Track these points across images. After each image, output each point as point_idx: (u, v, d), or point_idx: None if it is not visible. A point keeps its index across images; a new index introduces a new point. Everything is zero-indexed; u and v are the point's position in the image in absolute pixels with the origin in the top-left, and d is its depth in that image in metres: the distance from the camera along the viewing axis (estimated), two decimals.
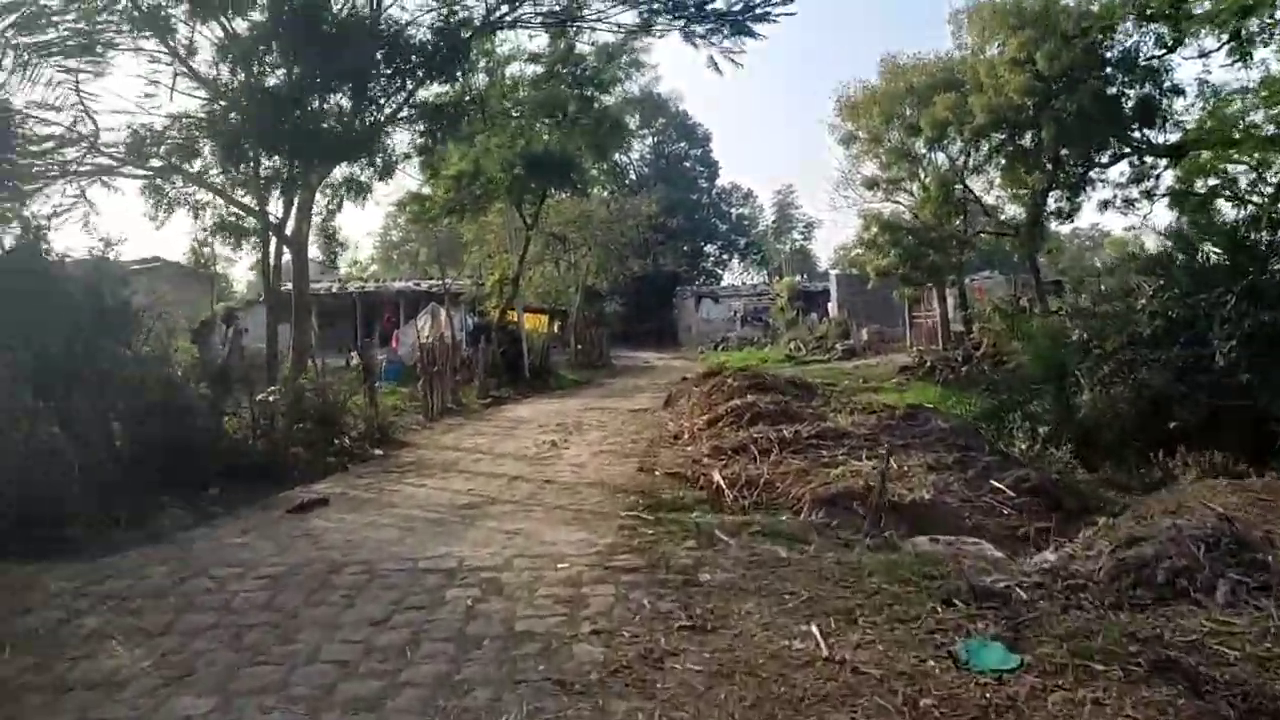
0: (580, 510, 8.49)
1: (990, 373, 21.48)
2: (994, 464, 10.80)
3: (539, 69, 22.16)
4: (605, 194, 38.75)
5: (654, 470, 11.01)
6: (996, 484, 9.71)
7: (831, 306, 49.11)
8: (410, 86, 14.10)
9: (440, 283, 27.84)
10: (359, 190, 15.02)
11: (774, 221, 77.23)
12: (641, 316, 53.76)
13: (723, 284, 71.39)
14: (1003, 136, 22.99)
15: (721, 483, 10.22)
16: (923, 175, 25.70)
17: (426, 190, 26.65)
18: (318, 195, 15.18)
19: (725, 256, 78.92)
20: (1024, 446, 13.27)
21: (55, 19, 11.78)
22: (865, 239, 25.13)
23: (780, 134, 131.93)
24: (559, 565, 6.34)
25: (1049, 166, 22.10)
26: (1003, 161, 23.23)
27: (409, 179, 21.68)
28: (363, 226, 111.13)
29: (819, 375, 28.01)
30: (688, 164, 75.23)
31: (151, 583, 6.28)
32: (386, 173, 14.56)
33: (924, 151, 25.52)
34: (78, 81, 12.45)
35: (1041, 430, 13.50)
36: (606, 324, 41.87)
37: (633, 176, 62.26)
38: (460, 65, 14.40)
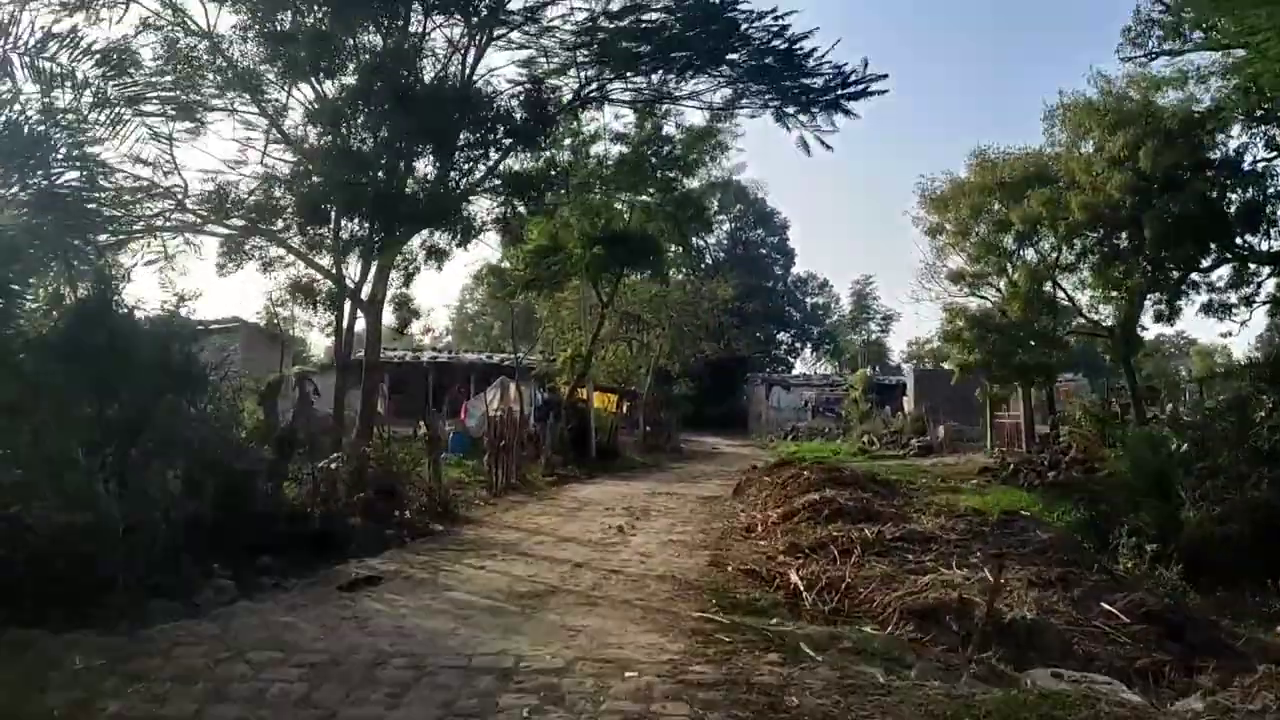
0: (648, 607, 7.82)
1: (1082, 480, 20.28)
2: (1101, 583, 9.83)
3: (624, 149, 22.16)
4: (681, 276, 38.65)
5: (726, 565, 10.30)
6: (1109, 607, 8.76)
7: (906, 401, 47.89)
8: (495, 156, 13.97)
9: (511, 357, 27.62)
10: (438, 257, 14.88)
11: (850, 312, 76.32)
12: (710, 400, 53.10)
13: (794, 373, 70.58)
14: (1099, 235, 22.16)
15: (799, 584, 9.47)
16: (1011, 271, 24.86)
17: (505, 264, 26.72)
18: (395, 261, 15.07)
19: (797, 345, 78.27)
20: (1129, 564, 12.20)
21: (153, 80, 11.96)
22: (950, 332, 24.26)
23: (859, 226, 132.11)
24: (626, 674, 5.67)
25: (1148, 268, 21.15)
26: (1097, 260, 22.33)
27: (487, 249, 21.54)
28: (438, 298, 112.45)
29: (895, 471, 26.96)
30: (764, 250, 75.24)
31: (184, 663, 5.77)
32: (465, 239, 14.38)
33: (1013, 247, 24.76)
34: (171, 138, 12.61)
35: (1149, 548, 12.40)
36: (675, 406, 41.33)
37: (709, 260, 62.40)
38: (546, 137, 14.26)
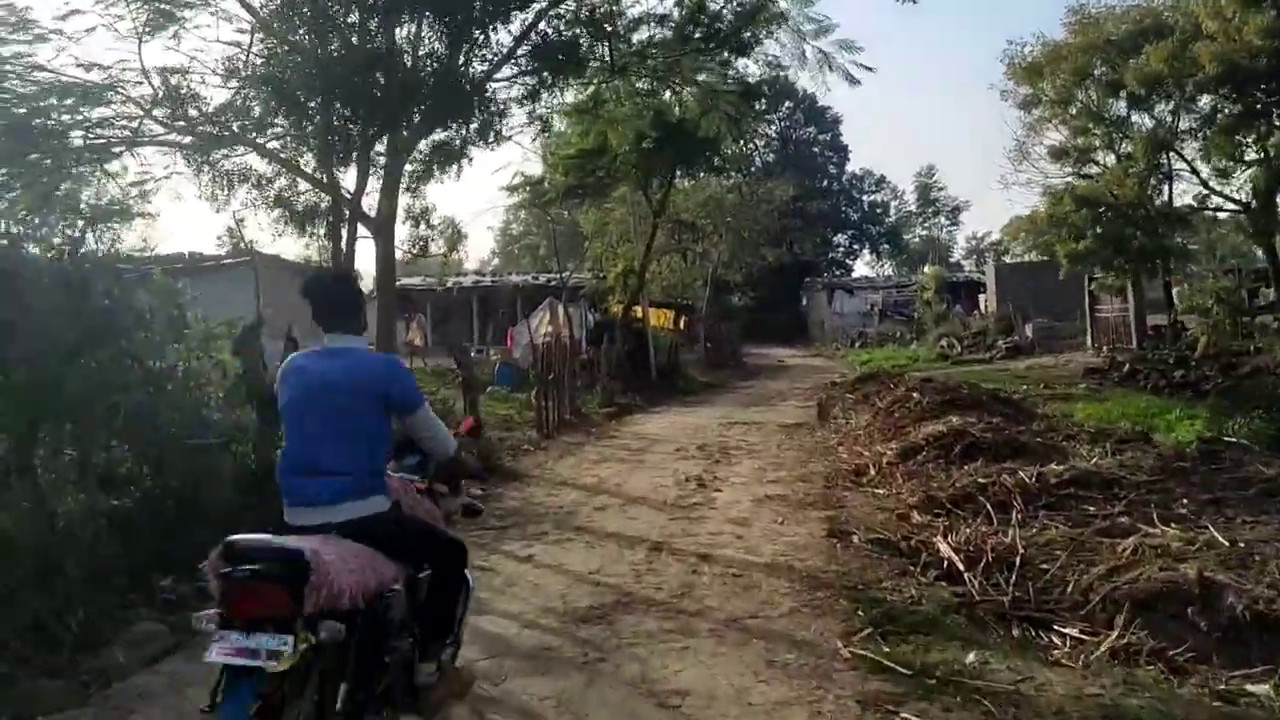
0: (769, 632, 5.35)
1: (1227, 380, 17.35)
2: None
3: (668, 33, 19.01)
4: (732, 179, 35.53)
5: (849, 534, 7.80)
6: None
7: (983, 300, 44.61)
8: (520, 20, 11.13)
9: (558, 276, 25.11)
10: (449, 158, 12.19)
11: (916, 206, 72.21)
12: (768, 310, 50.15)
13: (854, 276, 67.18)
14: (1229, 91, 18.73)
15: (955, 559, 6.96)
16: (1119, 143, 21.47)
17: (544, 173, 24.05)
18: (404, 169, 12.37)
19: (856, 247, 74.63)
20: None
21: None
22: (1056, 216, 21.06)
23: (916, 116, 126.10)
24: None
25: None
26: (1231, 121, 18.89)
27: (521, 155, 18.32)
28: (478, 221, 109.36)
29: (987, 378, 24.14)
30: (816, 149, 71.21)
31: None
32: (484, 134, 11.71)
33: (1125, 113, 21.34)
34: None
35: None
36: (734, 319, 38.63)
37: (758, 163, 58.76)
38: None
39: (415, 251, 13.38)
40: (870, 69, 15.06)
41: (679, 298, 35.22)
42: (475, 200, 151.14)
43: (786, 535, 7.83)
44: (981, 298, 44.46)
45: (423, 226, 13.23)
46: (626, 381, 22.64)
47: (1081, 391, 20.81)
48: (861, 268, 73.17)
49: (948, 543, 7.38)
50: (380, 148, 11.06)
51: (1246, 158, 20.07)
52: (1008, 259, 75.79)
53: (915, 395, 12.82)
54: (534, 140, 15.54)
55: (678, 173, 25.71)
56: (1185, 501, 7.97)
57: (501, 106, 11.93)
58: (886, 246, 74.72)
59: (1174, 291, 22.82)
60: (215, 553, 2.88)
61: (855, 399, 20.19)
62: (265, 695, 2.70)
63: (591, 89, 15.44)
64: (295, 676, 2.78)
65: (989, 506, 8.16)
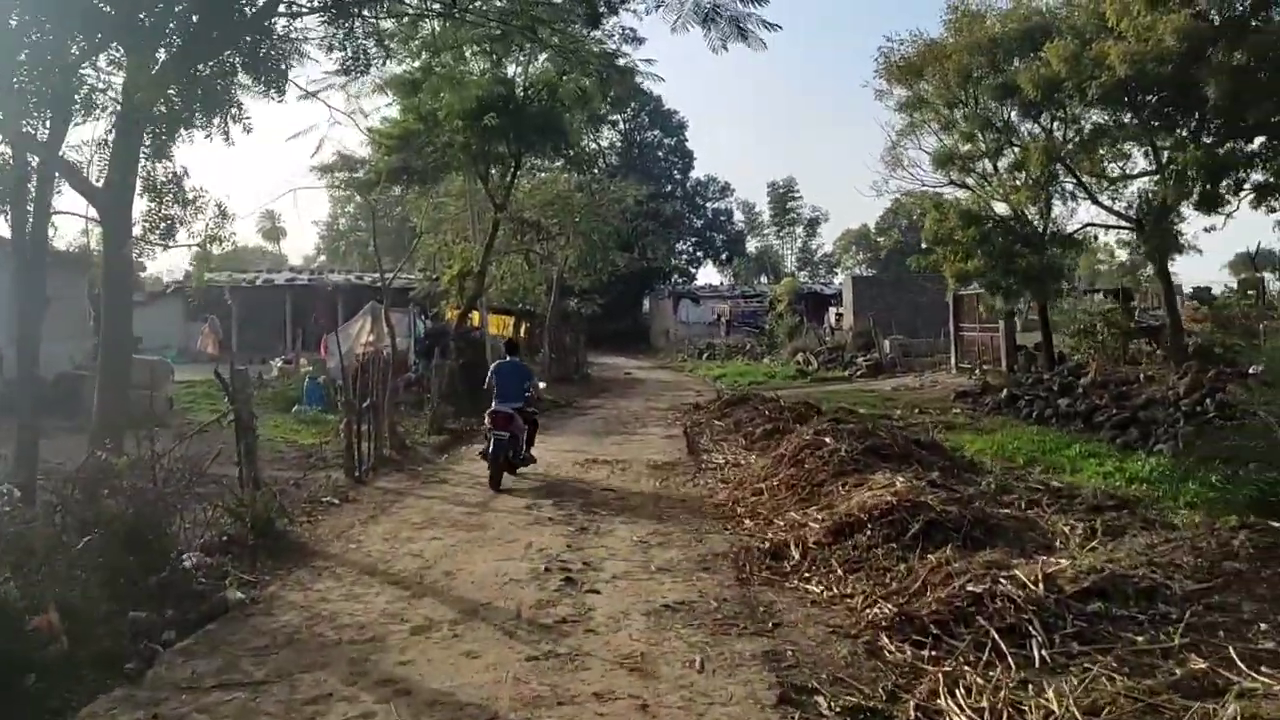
0: None
1: (1115, 410, 15.80)
2: None
3: None
4: (579, 178, 32.71)
5: (809, 695, 5.05)
6: None
7: (833, 312, 43.52)
8: None
9: (384, 276, 21.51)
10: (212, 105, 8.63)
11: (773, 217, 71.30)
12: (611, 318, 47.48)
13: (697, 284, 65.50)
14: (1129, 98, 17.29)
15: None
16: (1010, 152, 19.88)
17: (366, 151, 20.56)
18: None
19: (699, 254, 73.04)
20: None
21: None
22: (940, 233, 19.21)
23: (764, 126, 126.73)
24: None
25: (1206, 137, 16.41)
26: (1135, 130, 17.46)
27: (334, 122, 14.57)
28: (298, 209, 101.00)
29: (854, 399, 22.28)
30: (661, 153, 69.23)
31: None
32: (261, 72, 8.29)
33: (1014, 120, 19.72)
34: None
35: None
36: (577, 327, 35.67)
37: (602, 164, 56.10)
38: None
39: (154, 239, 9.71)
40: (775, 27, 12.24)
41: (520, 303, 32.05)
42: (276, 183, 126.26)
43: (716, 700, 4.98)
44: (832, 310, 43.32)
45: (168, 202, 9.54)
46: (461, 402, 19.44)
47: (960, 419, 19.10)
48: (704, 276, 71.82)
49: (964, 713, 4.77)
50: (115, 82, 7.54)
51: (1137, 170, 18.82)
52: (839, 271, 76.71)
53: (829, 441, 10.24)
54: (351, 101, 12.05)
55: (522, 162, 22.68)
56: (1263, 627, 5.68)
57: (293, 42, 8.63)
58: (726, 256, 73.65)
59: (1048, 312, 21.45)
60: (488, 411, 11.91)
61: (726, 427, 17.75)
62: (502, 446, 11.47)
63: (422, 57, 12.22)
64: (507, 443, 11.56)
65: (994, 633, 5.63)
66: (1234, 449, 10.17)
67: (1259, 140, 16.60)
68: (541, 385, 14.98)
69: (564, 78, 16.69)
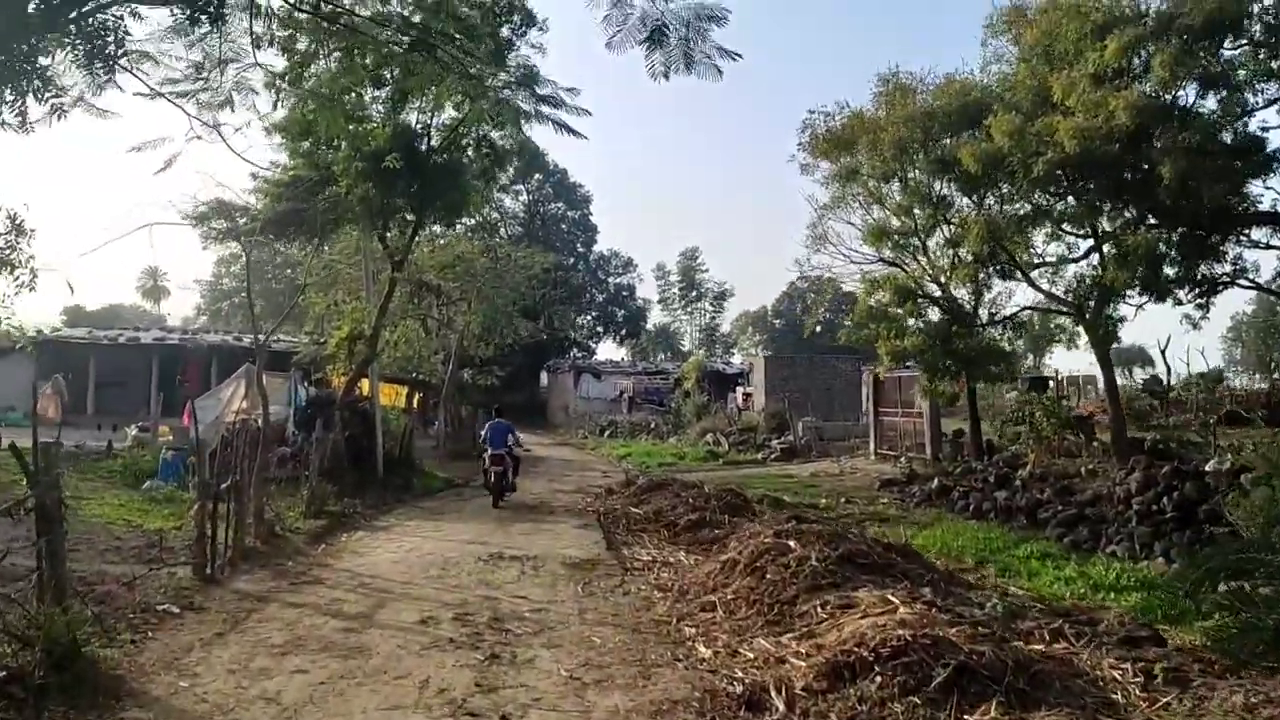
0: None
1: (1061, 506, 14.71)
2: None
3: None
4: (478, 243, 30.92)
5: None
6: None
7: (740, 392, 42.37)
8: None
9: (261, 338, 19.09)
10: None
11: (681, 289, 70.42)
12: (508, 390, 45.28)
13: (599, 358, 63.97)
14: (1073, 178, 16.60)
15: None
16: (946, 229, 18.99)
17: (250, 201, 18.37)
18: None
19: (599, 329, 71.71)
20: None
21: None
22: (873, 310, 18.07)
23: (668, 205, 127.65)
24: None
25: (1156, 220, 15.69)
26: (1078, 209, 16.73)
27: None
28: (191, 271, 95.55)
29: (774, 486, 20.80)
30: (564, 226, 68.19)
31: None
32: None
33: (950, 196, 18.88)
34: None
35: None
36: (472, 400, 33.39)
37: (504, 233, 54.48)
38: None
39: None
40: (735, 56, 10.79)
41: (415, 372, 29.74)
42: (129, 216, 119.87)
43: None
44: (739, 390, 42.16)
45: None
46: (345, 480, 17.17)
47: (891, 510, 17.76)
48: (604, 351, 70.45)
49: None
50: None
51: (1079, 254, 18.09)
52: (735, 352, 76.50)
53: (794, 546, 8.50)
54: (213, 114, 9.96)
55: (424, 223, 20.82)
56: None
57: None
58: (625, 331, 72.63)
59: (976, 399, 20.48)
60: (486, 454, 17.77)
61: (645, 515, 15.93)
62: (503, 475, 17.53)
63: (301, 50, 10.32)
64: (504, 470, 17.59)
65: None
66: (1243, 561, 8.84)
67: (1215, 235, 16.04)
68: (521, 437, 20.33)
69: (464, 126, 15.06)
